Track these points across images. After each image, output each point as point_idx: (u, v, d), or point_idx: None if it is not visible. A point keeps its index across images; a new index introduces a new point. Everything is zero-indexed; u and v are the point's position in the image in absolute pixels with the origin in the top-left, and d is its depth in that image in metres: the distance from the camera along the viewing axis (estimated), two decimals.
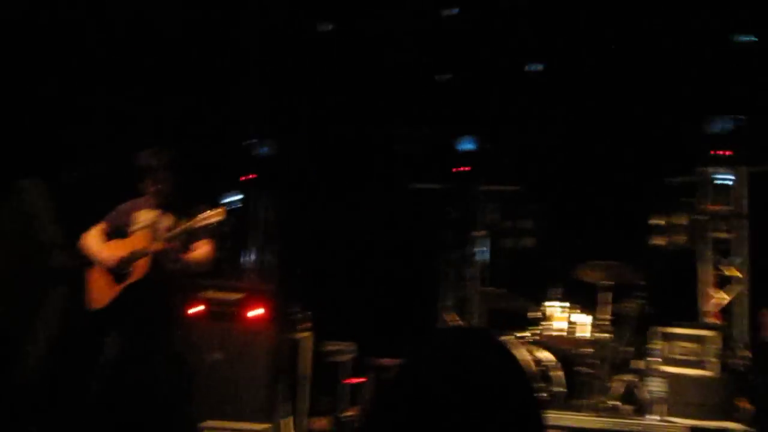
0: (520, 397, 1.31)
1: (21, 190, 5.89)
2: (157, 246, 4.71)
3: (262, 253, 7.99)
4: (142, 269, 4.72)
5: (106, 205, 5.16)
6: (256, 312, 6.40)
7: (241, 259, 7.92)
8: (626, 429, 4.72)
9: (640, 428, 4.68)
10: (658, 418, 4.83)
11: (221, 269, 6.85)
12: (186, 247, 4.84)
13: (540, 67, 7.67)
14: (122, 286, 4.74)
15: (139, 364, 4.55)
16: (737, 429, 4.34)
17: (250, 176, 7.78)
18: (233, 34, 7.47)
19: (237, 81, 7.68)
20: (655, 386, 4.92)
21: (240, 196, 7.19)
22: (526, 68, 7.80)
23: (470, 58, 7.88)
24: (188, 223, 4.71)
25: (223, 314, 6.36)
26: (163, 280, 4.76)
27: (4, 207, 5.85)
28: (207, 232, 4.78)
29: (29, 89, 6.26)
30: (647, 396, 4.87)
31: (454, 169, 7.95)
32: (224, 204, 5.53)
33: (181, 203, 4.87)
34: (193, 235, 4.80)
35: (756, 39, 6.96)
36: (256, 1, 7.61)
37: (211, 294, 6.24)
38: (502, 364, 1.34)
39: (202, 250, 4.88)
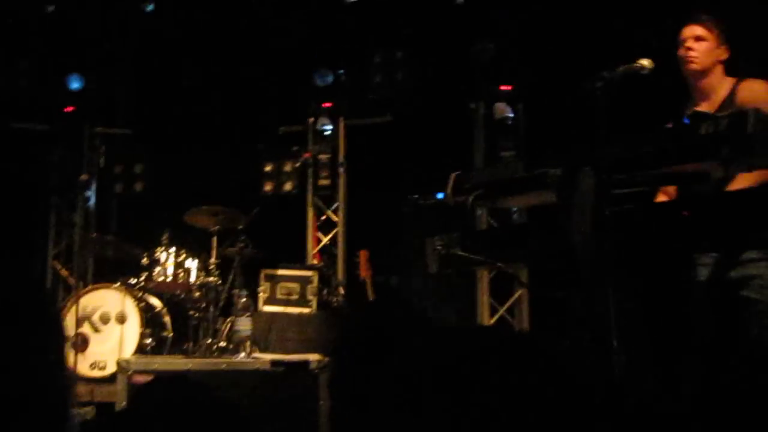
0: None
1: None
2: None
3: None
4: None
5: None
6: None
7: None
8: (215, 368, 4.91)
9: (226, 366, 4.90)
10: (245, 355, 5.10)
11: None
12: None
13: (151, 7, 7.47)
14: None
15: None
16: (314, 360, 4.74)
17: None
18: None
19: None
20: (244, 325, 5.19)
21: None
22: (145, 9, 7.56)
23: None
24: None
25: None
26: None
27: None
28: None
29: None
30: (243, 335, 5.12)
31: (64, 109, 7.50)
32: None
33: None
34: None
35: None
36: None
37: None
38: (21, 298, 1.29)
39: None
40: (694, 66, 3.70)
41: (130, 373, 4.68)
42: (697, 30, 3.70)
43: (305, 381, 4.52)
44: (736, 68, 3.73)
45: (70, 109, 7.52)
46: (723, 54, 3.71)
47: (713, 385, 3.59)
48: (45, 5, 7.48)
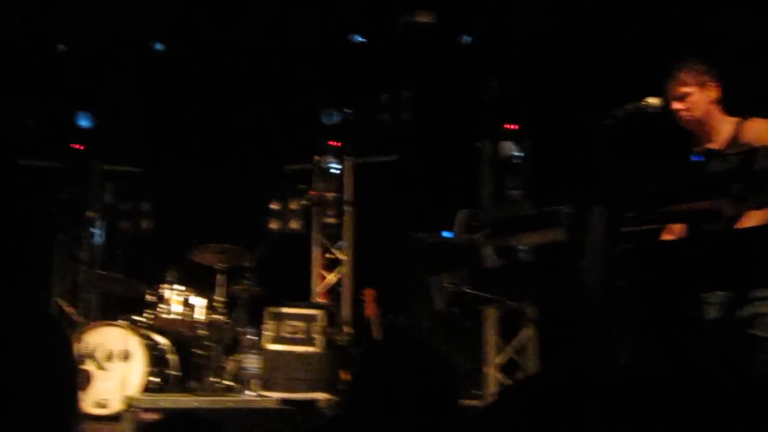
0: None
1: None
2: None
3: None
4: None
5: None
6: None
7: None
8: (221, 405, 4.87)
9: (233, 403, 4.86)
10: (253, 393, 5.06)
11: None
12: None
13: (161, 46, 7.56)
14: None
15: None
16: (323, 398, 4.71)
17: None
18: None
19: None
20: (257, 364, 5.16)
21: None
22: (152, 46, 7.67)
23: (92, 32, 7.54)
24: None
25: None
26: None
27: None
28: None
29: None
30: (250, 373, 5.09)
31: (72, 146, 7.54)
32: None
33: None
34: None
35: (365, 40, 7.53)
36: None
37: None
38: (40, 346, 1.27)
39: None
40: (687, 123, 3.73)
41: (137, 410, 4.65)
42: (679, 88, 3.71)
43: (313, 420, 4.49)
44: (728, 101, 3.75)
45: (78, 146, 7.57)
46: (713, 94, 3.71)
47: (722, 423, 3.55)
48: (54, 44, 7.58)
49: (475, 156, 7.04)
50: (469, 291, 3.99)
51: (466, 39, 7.30)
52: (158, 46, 7.60)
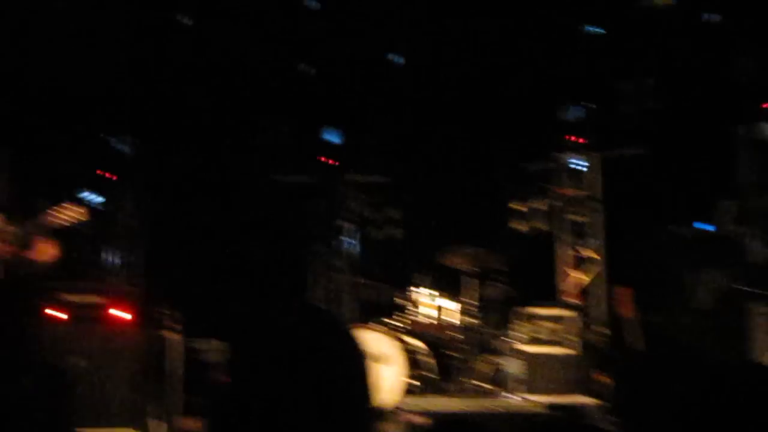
0: (353, 380, 1.32)
1: None
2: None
3: (127, 254, 7.75)
4: None
5: None
6: (121, 314, 6.21)
7: (105, 260, 7.66)
8: (488, 410, 4.88)
9: (501, 408, 4.86)
10: (518, 397, 5.02)
11: (83, 271, 6.63)
12: (26, 246, 4.73)
13: (401, 59, 7.80)
14: None
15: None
16: (590, 403, 4.58)
17: (110, 175, 7.54)
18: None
19: (93, 74, 7.43)
20: (515, 366, 5.13)
21: (100, 199, 6.92)
22: (390, 58, 7.95)
23: (333, 49, 7.95)
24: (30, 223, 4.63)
25: (86, 318, 6.15)
26: (13, 284, 4.62)
27: None
28: (44, 230, 4.70)
29: None
30: (508, 376, 5.08)
31: (319, 158, 7.97)
32: (81, 202, 5.39)
33: (14, 203, 4.77)
34: (31, 235, 4.71)
35: (604, 31, 7.30)
36: None
37: (72, 297, 6.02)
38: (337, 343, 1.35)
39: (44, 249, 4.77)
40: None
41: (402, 412, 4.80)
42: None
43: (579, 424, 4.38)
44: None
45: (328, 161, 7.97)
46: None
47: None
48: (299, 64, 8.07)
49: (731, 141, 6.58)
50: (736, 287, 3.74)
51: (712, 17, 6.86)
52: (398, 60, 7.85)
